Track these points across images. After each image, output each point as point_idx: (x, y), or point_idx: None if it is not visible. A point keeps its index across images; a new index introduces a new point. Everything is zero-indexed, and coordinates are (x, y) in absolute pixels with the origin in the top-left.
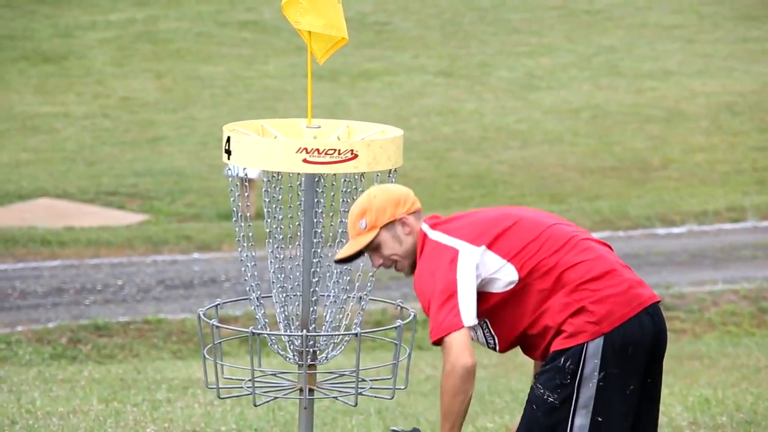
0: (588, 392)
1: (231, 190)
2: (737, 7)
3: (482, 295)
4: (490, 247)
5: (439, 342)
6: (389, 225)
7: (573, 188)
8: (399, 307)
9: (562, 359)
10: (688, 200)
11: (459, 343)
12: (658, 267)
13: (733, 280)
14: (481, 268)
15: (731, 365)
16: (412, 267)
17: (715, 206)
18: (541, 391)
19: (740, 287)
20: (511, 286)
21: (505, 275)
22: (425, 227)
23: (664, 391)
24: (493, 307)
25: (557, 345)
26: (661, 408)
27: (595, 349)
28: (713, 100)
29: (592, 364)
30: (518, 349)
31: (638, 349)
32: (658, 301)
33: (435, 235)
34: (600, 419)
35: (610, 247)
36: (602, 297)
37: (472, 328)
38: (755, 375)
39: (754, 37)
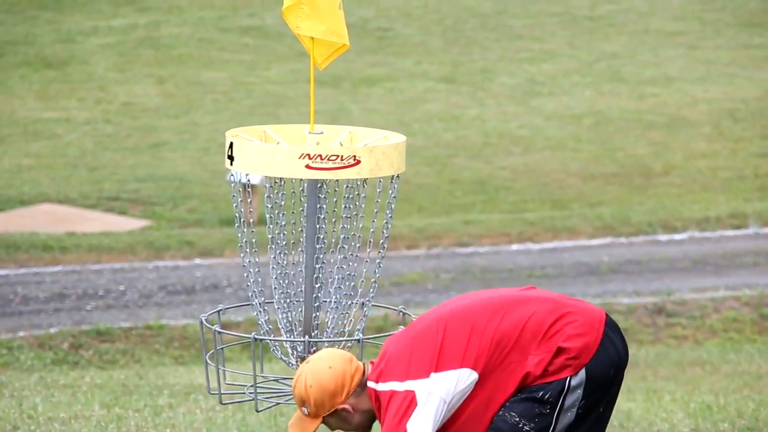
0: (566, 420)
1: (233, 195)
2: (740, 13)
3: (460, 405)
4: (437, 370)
5: None
6: (333, 412)
7: (575, 194)
8: (401, 314)
9: (542, 393)
10: (690, 206)
11: None
12: (659, 273)
13: (735, 286)
14: (443, 392)
15: (733, 372)
16: (369, 424)
17: (717, 213)
18: (517, 419)
19: (742, 294)
20: (476, 383)
21: (465, 380)
22: (371, 384)
23: (666, 397)
24: (474, 406)
25: (537, 381)
26: (663, 414)
27: (578, 382)
28: (715, 107)
29: (574, 396)
30: None
31: (620, 368)
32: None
33: (384, 387)
34: None
35: (532, 287)
36: (571, 334)
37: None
38: (757, 382)
39: (757, 44)
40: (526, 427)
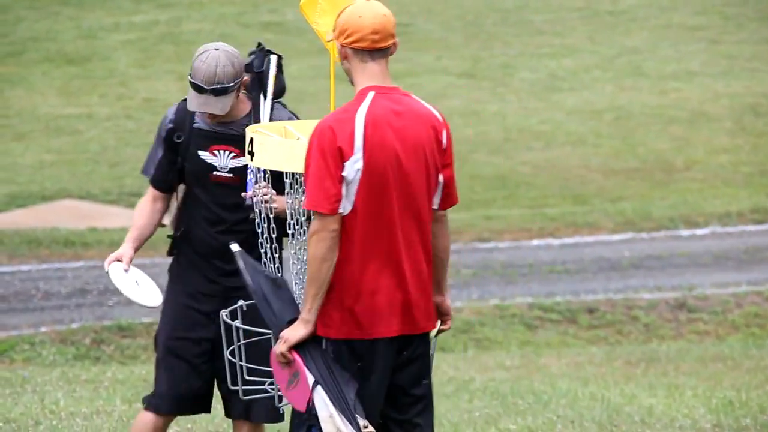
0: None
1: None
2: (762, 8)
3: None
4: None
5: None
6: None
7: (596, 189)
8: None
9: None
10: (711, 201)
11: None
12: (681, 269)
13: (757, 281)
14: None
15: (755, 367)
16: None
17: (739, 207)
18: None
19: (764, 289)
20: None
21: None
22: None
23: (688, 393)
24: None
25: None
26: (685, 410)
27: None
28: (737, 102)
29: None
30: (541, 351)
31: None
32: None
33: None
34: None
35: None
36: None
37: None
38: None
39: None
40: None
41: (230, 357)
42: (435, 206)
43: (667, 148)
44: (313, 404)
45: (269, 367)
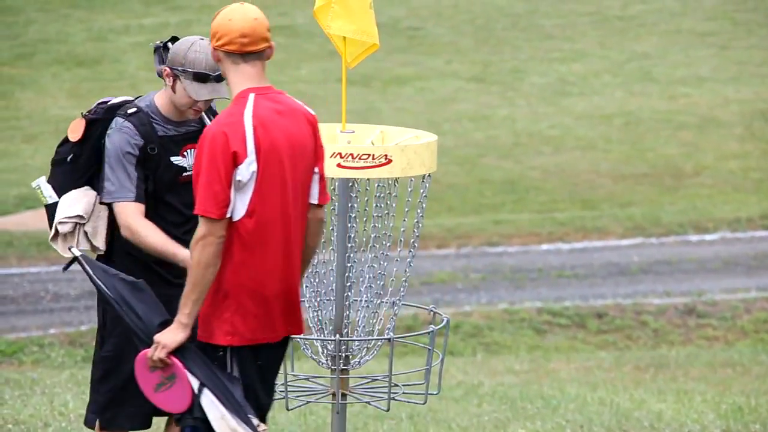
0: None
1: None
2: None
3: None
4: None
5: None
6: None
7: (605, 194)
8: (432, 313)
9: None
10: (721, 207)
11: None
12: (690, 274)
13: (766, 287)
14: None
15: (764, 373)
16: None
17: (749, 213)
18: None
19: None
20: None
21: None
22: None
23: (697, 399)
24: None
25: None
26: (694, 416)
27: None
28: (747, 107)
29: None
30: (550, 355)
31: None
32: None
33: None
34: None
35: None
36: None
37: None
38: None
39: None
40: None
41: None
42: (314, 201)
43: (677, 153)
44: (199, 406)
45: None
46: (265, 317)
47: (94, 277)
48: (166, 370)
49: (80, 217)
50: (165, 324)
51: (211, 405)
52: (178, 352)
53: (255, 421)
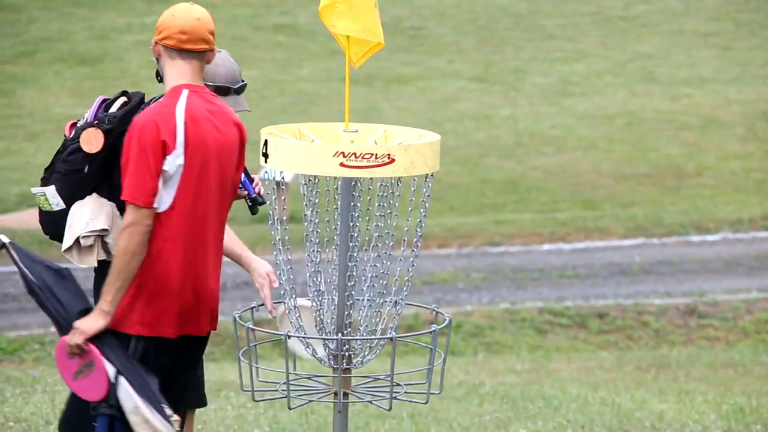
0: None
1: (267, 193)
2: None
3: None
4: None
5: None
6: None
7: (607, 195)
8: (434, 312)
9: None
10: (722, 208)
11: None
12: (692, 274)
13: None
14: None
15: (766, 374)
16: None
17: (750, 214)
18: None
19: None
20: None
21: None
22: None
23: (698, 399)
24: None
25: None
26: (696, 416)
27: None
28: (749, 108)
29: None
30: (551, 355)
31: None
32: None
33: None
34: None
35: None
36: None
37: None
38: None
39: None
40: None
41: (242, 358)
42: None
43: (679, 153)
44: (115, 395)
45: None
46: (174, 311)
47: (20, 263)
48: (84, 357)
49: (104, 230)
50: (86, 312)
51: (126, 394)
52: (97, 339)
53: (168, 411)
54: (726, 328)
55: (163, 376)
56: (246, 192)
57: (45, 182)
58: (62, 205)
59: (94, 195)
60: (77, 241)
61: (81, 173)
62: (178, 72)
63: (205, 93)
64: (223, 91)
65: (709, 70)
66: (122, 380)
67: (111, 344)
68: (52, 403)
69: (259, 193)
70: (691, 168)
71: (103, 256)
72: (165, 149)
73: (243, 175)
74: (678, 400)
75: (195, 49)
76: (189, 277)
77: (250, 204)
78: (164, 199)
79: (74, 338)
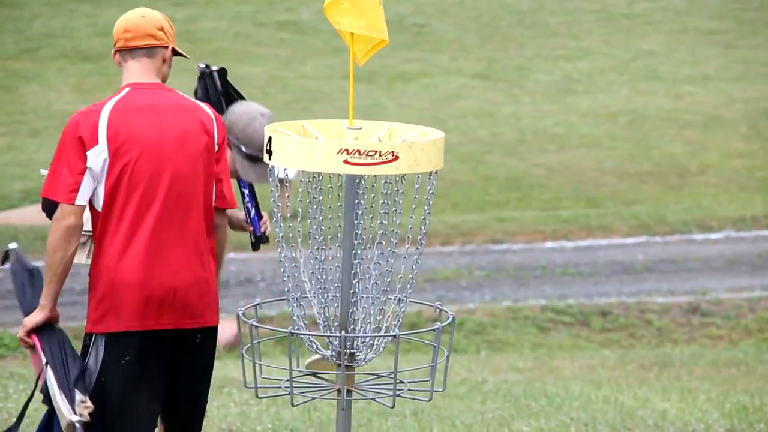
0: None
1: (271, 190)
2: None
3: None
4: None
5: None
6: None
7: (610, 192)
8: (438, 310)
9: None
10: (725, 206)
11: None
12: (695, 273)
13: None
14: None
15: None
16: None
17: (753, 212)
18: None
19: None
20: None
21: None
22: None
23: (701, 397)
24: None
25: None
26: (699, 414)
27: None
28: (752, 106)
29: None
30: (554, 353)
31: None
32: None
33: None
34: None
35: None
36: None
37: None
38: None
39: None
40: None
41: (245, 355)
42: (214, 204)
43: (682, 151)
44: (45, 384)
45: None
46: (130, 306)
47: (15, 265)
48: (35, 349)
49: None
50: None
51: (49, 382)
52: (40, 333)
53: (79, 397)
54: (729, 326)
55: (122, 373)
56: (252, 228)
57: None
58: None
59: None
60: None
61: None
62: (128, 72)
63: (154, 89)
64: (252, 158)
65: (712, 68)
66: (48, 370)
67: (50, 337)
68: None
69: (264, 232)
70: (694, 166)
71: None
72: (83, 145)
73: (252, 210)
74: (681, 399)
75: (141, 46)
76: (148, 270)
77: (253, 240)
78: (99, 196)
79: (19, 332)
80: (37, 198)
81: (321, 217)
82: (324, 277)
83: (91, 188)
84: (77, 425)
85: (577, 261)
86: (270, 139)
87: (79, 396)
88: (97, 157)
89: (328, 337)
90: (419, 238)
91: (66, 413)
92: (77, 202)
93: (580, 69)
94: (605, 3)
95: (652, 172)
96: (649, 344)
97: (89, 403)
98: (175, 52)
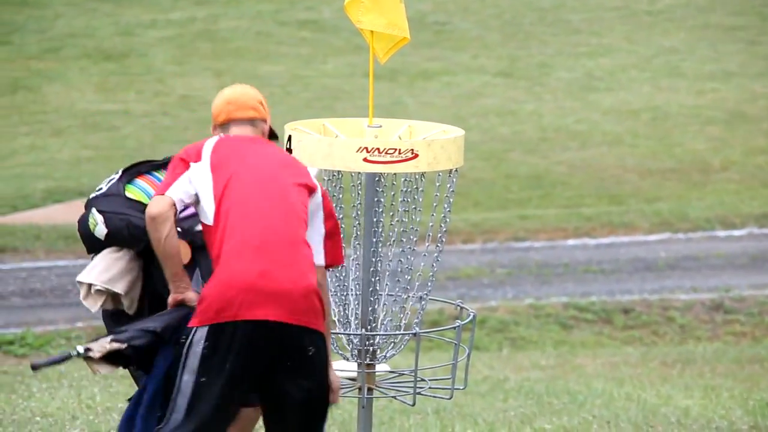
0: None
1: None
2: None
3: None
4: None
5: None
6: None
7: (632, 190)
8: (459, 308)
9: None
10: (748, 202)
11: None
12: (717, 270)
13: None
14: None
15: None
16: None
17: None
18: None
19: None
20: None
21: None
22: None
23: (724, 394)
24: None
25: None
26: (722, 411)
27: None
28: None
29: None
30: (576, 351)
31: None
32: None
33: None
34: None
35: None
36: (210, 280)
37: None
38: None
39: None
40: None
41: None
42: (320, 262)
43: (704, 148)
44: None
45: None
46: (215, 304)
47: (134, 338)
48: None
49: (117, 294)
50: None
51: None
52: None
53: (90, 346)
54: (752, 323)
55: (235, 364)
56: None
57: (111, 210)
58: (102, 235)
59: (124, 251)
60: (90, 284)
61: (140, 245)
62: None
63: (261, 139)
64: None
65: (734, 64)
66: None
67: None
68: (78, 397)
69: None
70: (716, 163)
71: (109, 306)
72: (187, 160)
73: None
74: (704, 396)
75: (244, 117)
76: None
77: None
78: (207, 210)
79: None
80: (59, 197)
81: (342, 215)
82: (344, 275)
83: (185, 189)
84: (72, 353)
85: (600, 258)
86: (289, 137)
87: (107, 339)
88: (200, 168)
89: (349, 335)
90: (439, 235)
91: (79, 348)
92: (167, 194)
93: (602, 66)
94: (627, 0)
95: (674, 169)
96: (671, 341)
97: (107, 345)
98: (271, 132)
